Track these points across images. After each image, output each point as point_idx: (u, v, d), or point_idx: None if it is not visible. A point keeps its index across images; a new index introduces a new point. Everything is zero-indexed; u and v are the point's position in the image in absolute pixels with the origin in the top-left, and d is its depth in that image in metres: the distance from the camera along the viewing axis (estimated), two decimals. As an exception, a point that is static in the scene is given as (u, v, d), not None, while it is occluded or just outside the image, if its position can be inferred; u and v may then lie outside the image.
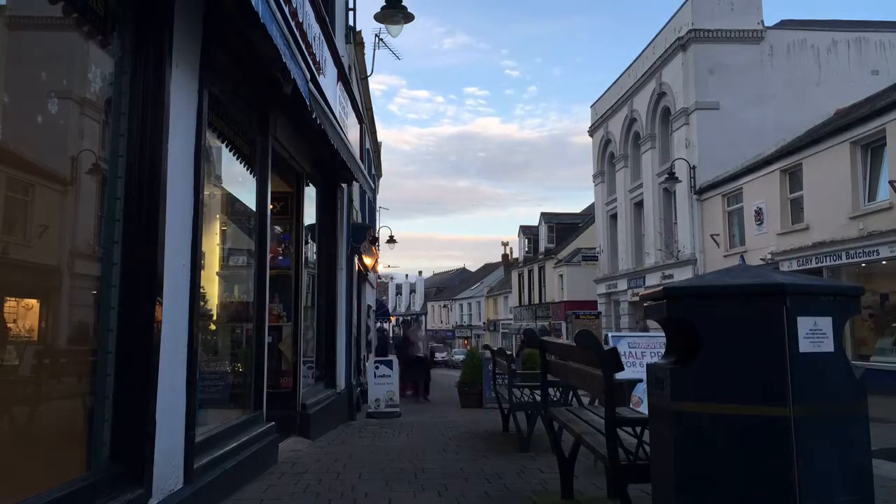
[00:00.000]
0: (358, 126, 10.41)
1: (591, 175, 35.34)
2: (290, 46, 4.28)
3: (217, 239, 5.59)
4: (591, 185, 35.54)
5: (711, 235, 22.95)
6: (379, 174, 27.63)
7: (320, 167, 8.73)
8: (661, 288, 3.12)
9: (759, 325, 2.81)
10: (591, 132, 34.88)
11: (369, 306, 20.88)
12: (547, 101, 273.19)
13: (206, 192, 4.47)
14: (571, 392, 7.26)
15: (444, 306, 72.77)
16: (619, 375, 3.75)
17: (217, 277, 5.59)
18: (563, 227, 43.64)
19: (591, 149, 35.37)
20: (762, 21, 24.41)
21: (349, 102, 9.15)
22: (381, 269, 30.61)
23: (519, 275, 48.82)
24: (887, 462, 6.22)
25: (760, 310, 2.82)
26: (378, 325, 28.19)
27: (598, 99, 34.06)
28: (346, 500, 4.80)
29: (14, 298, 2.91)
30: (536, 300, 44.15)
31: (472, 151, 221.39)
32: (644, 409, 6.45)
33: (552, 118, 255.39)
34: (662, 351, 3.97)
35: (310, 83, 5.01)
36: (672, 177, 21.85)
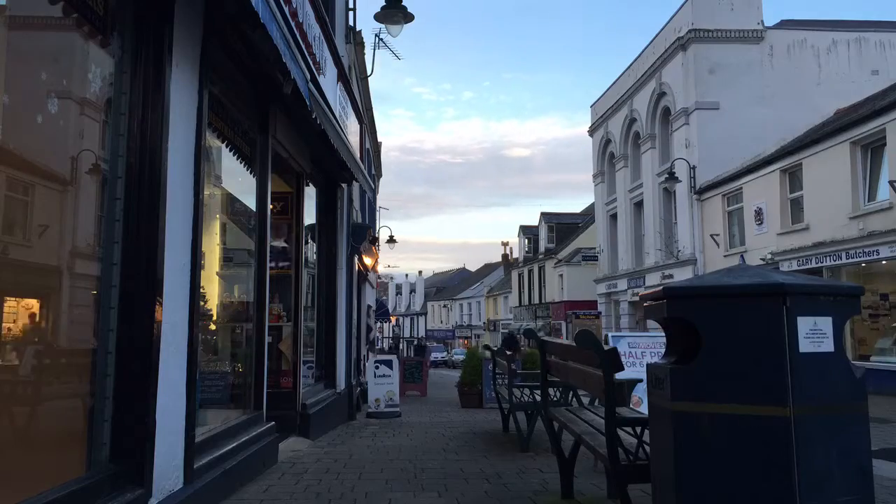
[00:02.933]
0: (358, 126, 10.41)
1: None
2: (290, 46, 4.28)
3: (217, 239, 5.59)
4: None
5: (711, 235, 22.95)
6: (379, 174, 27.62)
7: (320, 167, 8.73)
8: (661, 288, 3.11)
9: (759, 325, 2.81)
10: (591, 132, 34.87)
11: (369, 306, 20.87)
12: (468, 120, 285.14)
13: (206, 192, 4.47)
14: (571, 392, 7.26)
15: (444, 306, 72.75)
16: (619, 375, 3.75)
17: (217, 277, 5.59)
18: (563, 227, 43.65)
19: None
20: (762, 21, 24.41)
21: (349, 102, 9.15)
22: (381, 268, 30.62)
23: (519, 275, 48.81)
24: (887, 462, 6.22)
25: (760, 310, 2.82)
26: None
27: (598, 99, 34.06)
28: (346, 500, 4.80)
29: (14, 298, 2.91)
30: (536, 300, 44.15)
31: (411, 163, 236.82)
32: (644, 409, 6.45)
33: (478, 134, 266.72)
34: (662, 351, 3.97)
35: (310, 83, 5.01)
36: (672, 177, 21.84)
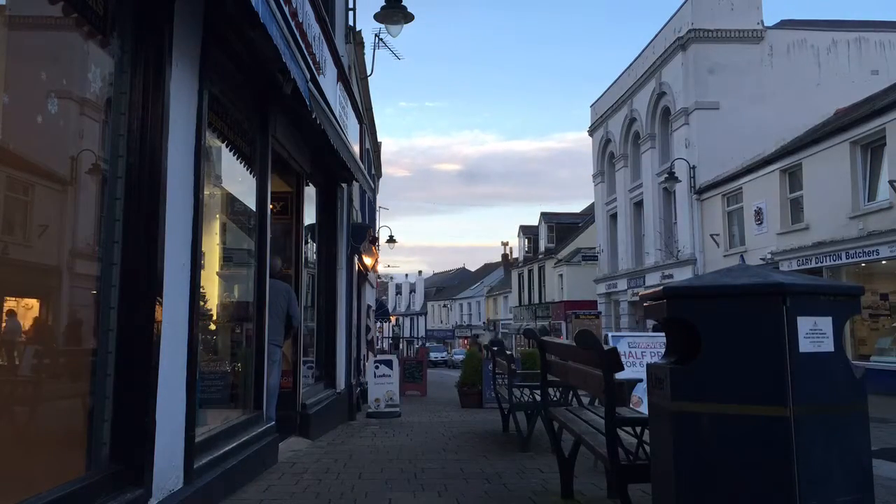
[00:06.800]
0: (358, 126, 10.41)
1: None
2: (290, 46, 4.28)
3: (217, 239, 5.59)
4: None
5: (711, 235, 22.95)
6: (379, 174, 27.62)
7: (320, 167, 8.73)
8: (661, 288, 3.11)
9: (759, 325, 2.81)
10: (591, 132, 34.89)
11: (369, 306, 20.86)
12: (383, 139, 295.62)
13: (206, 192, 4.47)
14: (571, 392, 7.26)
15: (444, 306, 72.76)
16: (619, 375, 3.75)
17: (217, 277, 5.59)
18: (563, 227, 43.67)
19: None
20: (762, 21, 24.43)
21: (349, 102, 9.15)
22: (381, 268, 30.63)
23: (519, 275, 48.82)
24: (887, 462, 6.22)
25: (760, 310, 2.82)
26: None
27: (598, 99, 34.07)
28: (345, 500, 4.80)
29: (14, 298, 2.91)
30: (536, 300, 44.15)
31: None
32: (644, 409, 6.45)
33: (399, 150, 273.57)
34: (662, 351, 3.97)
35: (310, 83, 5.01)
36: (672, 176, 21.85)
